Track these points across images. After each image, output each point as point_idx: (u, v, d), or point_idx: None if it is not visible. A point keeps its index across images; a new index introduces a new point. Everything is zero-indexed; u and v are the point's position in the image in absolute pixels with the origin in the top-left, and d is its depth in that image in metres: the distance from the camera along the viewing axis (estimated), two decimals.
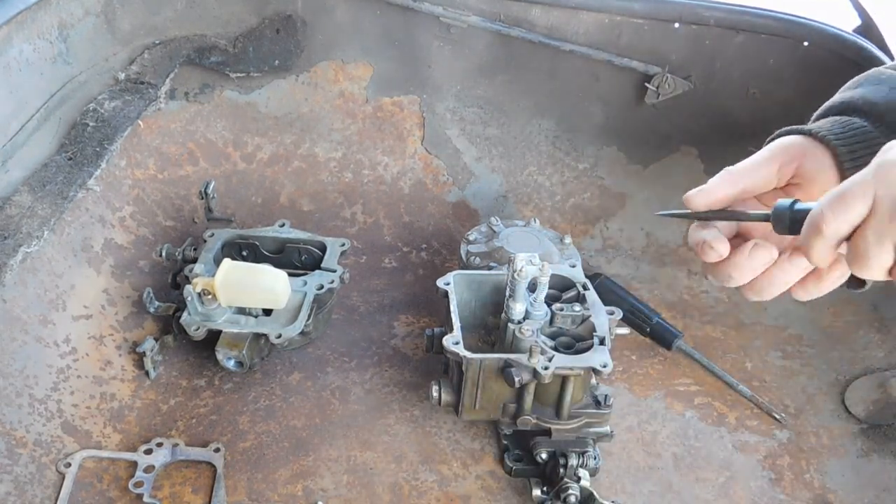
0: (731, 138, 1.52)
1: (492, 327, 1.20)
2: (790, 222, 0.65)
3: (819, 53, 1.46)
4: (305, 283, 1.29)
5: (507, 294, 1.08)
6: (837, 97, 0.84)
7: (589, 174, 1.66)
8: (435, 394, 1.13)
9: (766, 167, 0.76)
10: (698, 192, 0.75)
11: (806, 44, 1.45)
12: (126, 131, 1.43)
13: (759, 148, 0.80)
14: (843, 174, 0.74)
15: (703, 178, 1.02)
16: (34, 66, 1.34)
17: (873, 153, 0.63)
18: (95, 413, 1.20)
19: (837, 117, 0.80)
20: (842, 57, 1.39)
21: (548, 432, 1.11)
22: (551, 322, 1.11)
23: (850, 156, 0.75)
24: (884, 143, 0.65)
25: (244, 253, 1.38)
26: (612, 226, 1.65)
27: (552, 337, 1.10)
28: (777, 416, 1.30)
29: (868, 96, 0.80)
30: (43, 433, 1.12)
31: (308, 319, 1.25)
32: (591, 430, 1.13)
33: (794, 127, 0.79)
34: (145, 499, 1.08)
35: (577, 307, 1.12)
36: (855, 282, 0.69)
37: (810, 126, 0.78)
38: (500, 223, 1.40)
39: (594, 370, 1.05)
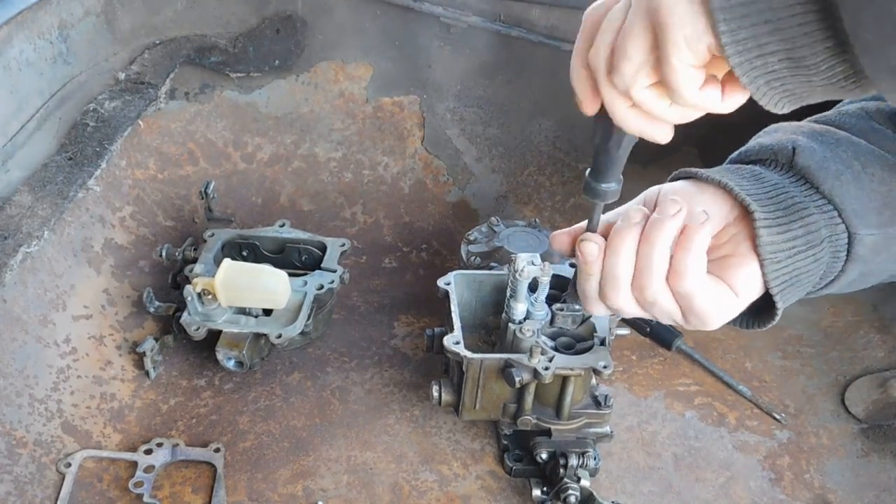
0: (731, 138, 1.52)
1: (492, 327, 1.20)
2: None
3: None
4: (305, 283, 1.29)
5: (508, 294, 1.08)
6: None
7: None
8: (435, 394, 1.13)
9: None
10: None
11: None
12: (126, 131, 1.43)
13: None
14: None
15: None
16: (34, 66, 1.34)
17: None
18: (95, 413, 1.20)
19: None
20: None
21: (548, 432, 1.11)
22: (552, 322, 1.11)
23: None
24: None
25: (244, 253, 1.38)
26: None
27: (553, 337, 1.10)
28: (777, 417, 1.30)
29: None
30: (43, 433, 1.12)
31: (308, 319, 1.25)
32: (592, 430, 1.13)
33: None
34: (145, 499, 1.08)
35: (578, 307, 1.12)
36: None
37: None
38: (501, 223, 1.40)
39: (595, 370, 1.05)
